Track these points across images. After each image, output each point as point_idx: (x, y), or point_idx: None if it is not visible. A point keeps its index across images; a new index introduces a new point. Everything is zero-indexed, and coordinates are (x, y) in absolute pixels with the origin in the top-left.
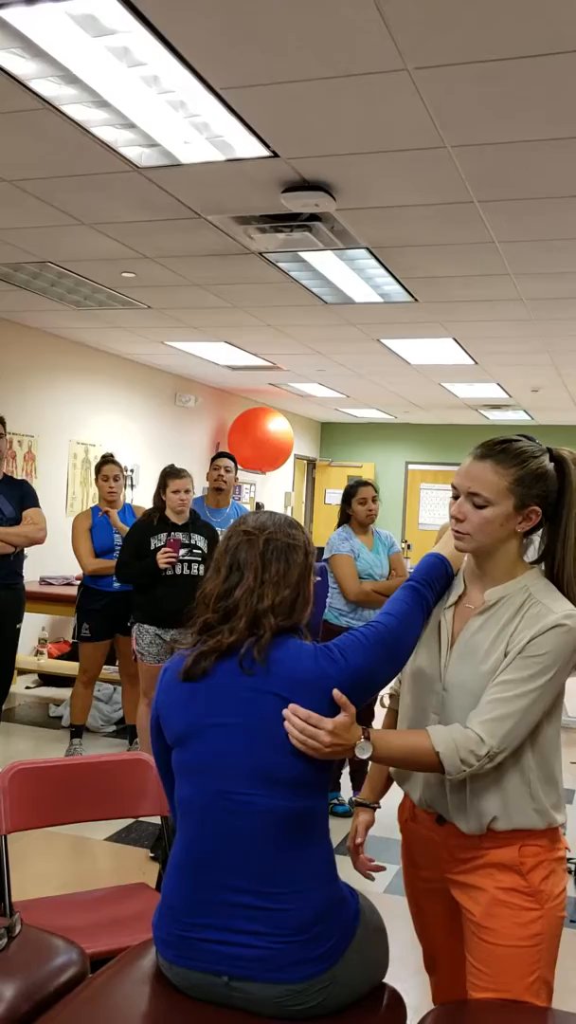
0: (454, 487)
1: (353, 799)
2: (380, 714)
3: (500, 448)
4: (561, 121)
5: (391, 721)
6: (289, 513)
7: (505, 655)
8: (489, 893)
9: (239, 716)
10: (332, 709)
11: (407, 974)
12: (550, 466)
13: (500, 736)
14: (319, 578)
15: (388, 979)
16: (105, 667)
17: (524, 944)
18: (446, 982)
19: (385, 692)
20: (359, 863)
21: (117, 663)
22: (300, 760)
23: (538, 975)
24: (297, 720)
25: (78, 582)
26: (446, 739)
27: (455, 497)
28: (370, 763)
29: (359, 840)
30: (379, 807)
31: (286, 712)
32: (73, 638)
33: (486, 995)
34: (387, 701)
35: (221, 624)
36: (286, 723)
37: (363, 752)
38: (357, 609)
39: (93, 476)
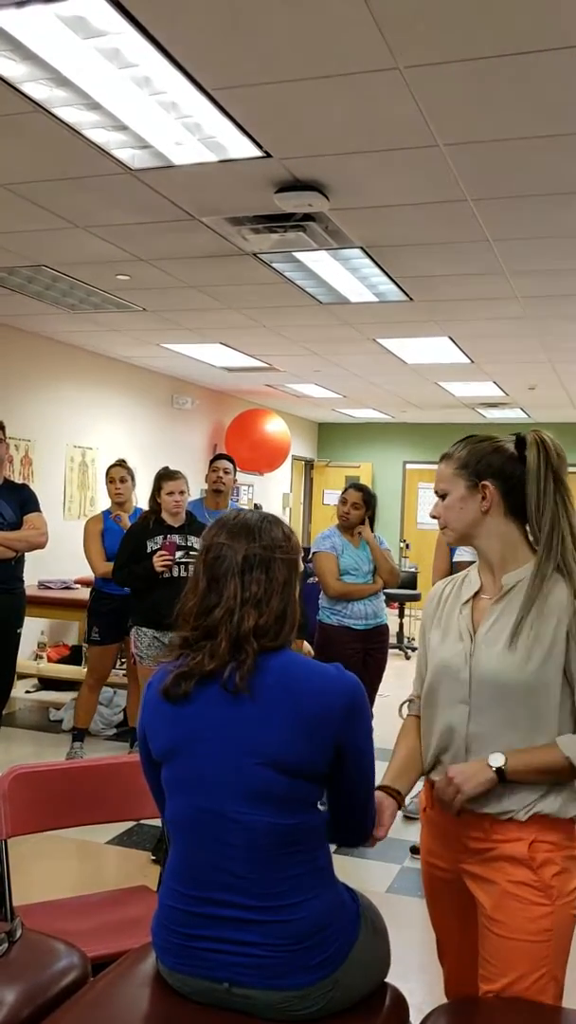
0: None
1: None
2: (398, 723)
3: (452, 446)
4: (553, 118)
5: (414, 726)
6: (287, 514)
7: (535, 637)
8: (500, 886)
9: (225, 736)
10: (322, 720)
11: (409, 973)
12: (499, 452)
13: None
14: (312, 579)
15: (390, 978)
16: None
17: (533, 939)
18: (457, 972)
19: (404, 701)
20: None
21: (125, 665)
22: (288, 777)
23: (546, 971)
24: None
25: (78, 586)
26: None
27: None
28: (396, 750)
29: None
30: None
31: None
32: (83, 640)
33: (494, 987)
34: (404, 711)
35: (203, 640)
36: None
37: (496, 760)
38: (341, 603)
39: (91, 479)
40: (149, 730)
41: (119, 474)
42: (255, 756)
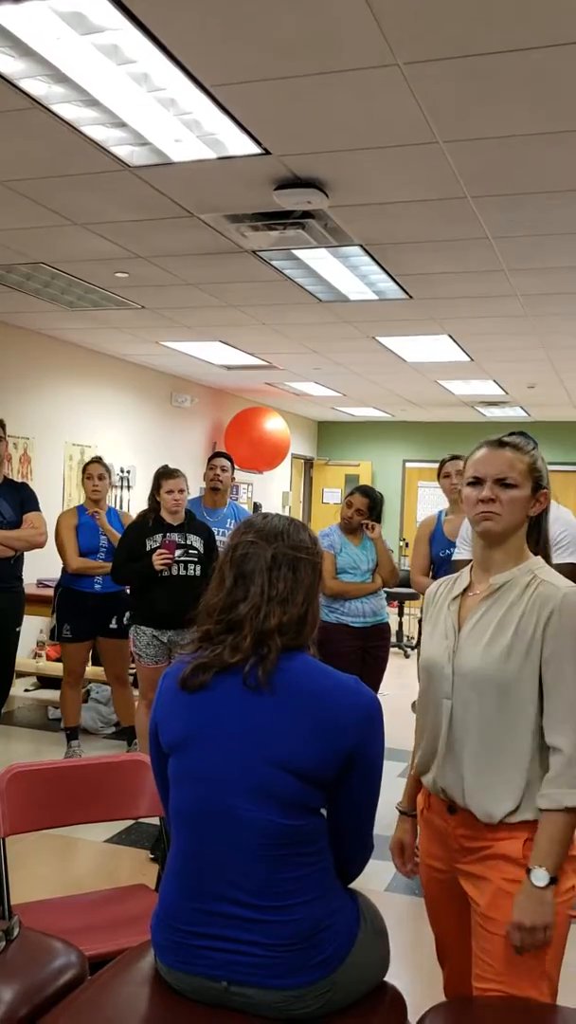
0: (475, 477)
1: (397, 807)
2: (412, 719)
3: (511, 439)
4: (553, 115)
5: None
6: (287, 513)
7: (515, 635)
8: (494, 884)
9: (237, 730)
10: (336, 730)
11: (407, 971)
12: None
13: (572, 735)
14: None
15: (388, 977)
16: (101, 668)
17: None
18: (456, 973)
19: (415, 700)
20: (403, 869)
21: (103, 666)
22: (295, 779)
23: (540, 969)
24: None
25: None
26: (556, 794)
27: (471, 484)
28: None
29: (405, 843)
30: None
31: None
32: (52, 639)
33: (489, 986)
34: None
35: (224, 634)
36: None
37: (541, 880)
38: (339, 601)
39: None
40: (161, 720)
41: (97, 471)
42: (265, 754)
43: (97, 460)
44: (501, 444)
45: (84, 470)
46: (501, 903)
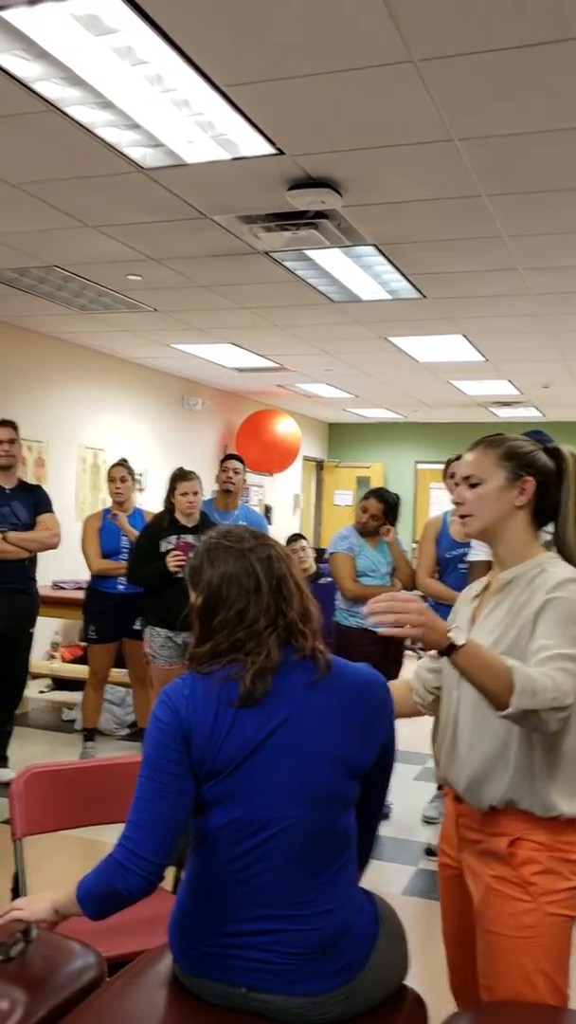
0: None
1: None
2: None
3: (488, 437)
4: (569, 112)
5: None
6: (298, 515)
7: (512, 623)
8: (484, 880)
9: (299, 733)
10: (374, 718)
11: (426, 975)
12: (540, 453)
13: (569, 688)
14: (328, 579)
15: (407, 980)
16: (116, 670)
17: (515, 935)
18: (453, 963)
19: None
20: None
21: (126, 666)
22: (344, 777)
23: (534, 968)
24: (383, 604)
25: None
26: (524, 669)
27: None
28: None
29: None
30: None
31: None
32: (80, 639)
33: (486, 982)
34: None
35: (252, 639)
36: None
37: (459, 637)
38: (359, 605)
39: (103, 481)
40: (212, 744)
41: (119, 473)
42: (323, 754)
43: (121, 463)
44: (475, 446)
45: (109, 473)
46: (490, 900)
